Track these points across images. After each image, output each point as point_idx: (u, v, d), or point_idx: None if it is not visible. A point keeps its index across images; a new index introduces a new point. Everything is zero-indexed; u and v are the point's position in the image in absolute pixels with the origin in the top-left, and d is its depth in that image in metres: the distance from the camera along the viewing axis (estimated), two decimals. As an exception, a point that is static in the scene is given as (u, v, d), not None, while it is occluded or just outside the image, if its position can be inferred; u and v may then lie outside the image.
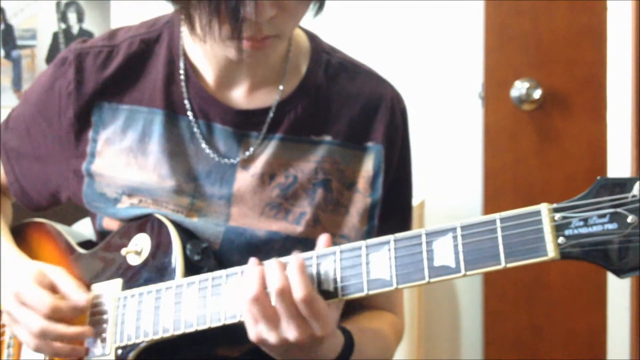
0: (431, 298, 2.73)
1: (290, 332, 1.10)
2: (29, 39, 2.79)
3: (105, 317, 1.27)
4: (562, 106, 2.64)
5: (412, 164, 1.42)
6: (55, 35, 2.80)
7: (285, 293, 1.08)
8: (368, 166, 1.34)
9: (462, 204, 2.75)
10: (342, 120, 1.34)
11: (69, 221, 1.54)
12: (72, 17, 2.79)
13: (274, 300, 1.09)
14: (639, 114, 2.58)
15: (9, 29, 2.79)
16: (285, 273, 1.09)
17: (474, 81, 2.69)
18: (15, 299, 1.26)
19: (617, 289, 2.66)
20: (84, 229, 1.50)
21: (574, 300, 2.67)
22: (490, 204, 2.65)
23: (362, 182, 1.34)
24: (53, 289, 1.28)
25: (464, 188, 2.75)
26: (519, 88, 2.62)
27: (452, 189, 2.76)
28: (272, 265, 1.11)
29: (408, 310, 2.35)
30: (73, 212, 1.52)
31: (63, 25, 2.79)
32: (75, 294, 1.26)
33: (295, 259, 1.10)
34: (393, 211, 1.37)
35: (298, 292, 1.08)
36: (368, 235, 1.33)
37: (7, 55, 2.80)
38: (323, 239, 1.14)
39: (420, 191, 2.56)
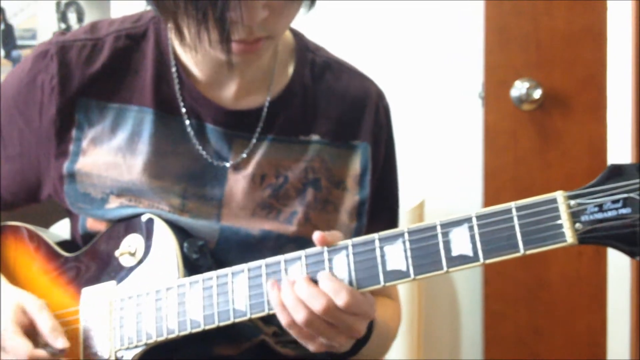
0: (431, 298, 2.72)
1: (354, 330, 1.11)
2: (29, 39, 2.78)
3: (100, 321, 1.25)
4: (562, 106, 2.64)
5: (397, 161, 1.42)
6: (55, 35, 2.79)
7: (331, 308, 1.08)
8: (355, 164, 1.35)
9: (462, 204, 2.74)
10: (329, 119, 1.34)
11: (45, 223, 1.47)
12: (72, 17, 2.78)
13: (325, 317, 1.09)
14: (639, 114, 2.58)
15: (9, 29, 2.78)
16: (319, 288, 1.09)
17: (474, 81, 2.69)
18: None
19: (617, 289, 2.66)
20: (63, 231, 1.44)
21: (574, 300, 2.67)
22: (490, 204, 2.59)
23: (350, 180, 1.34)
24: (33, 327, 1.23)
25: (464, 188, 2.74)
26: (519, 88, 2.62)
27: (452, 189, 2.75)
28: (303, 285, 1.10)
29: (408, 310, 2.35)
30: (49, 213, 1.45)
31: (63, 25, 2.78)
32: (53, 339, 1.21)
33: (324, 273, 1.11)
34: (381, 208, 1.38)
35: (340, 300, 1.08)
36: (357, 232, 1.33)
37: (7, 55, 2.78)
38: (317, 236, 1.13)
39: (420, 191, 2.57)
